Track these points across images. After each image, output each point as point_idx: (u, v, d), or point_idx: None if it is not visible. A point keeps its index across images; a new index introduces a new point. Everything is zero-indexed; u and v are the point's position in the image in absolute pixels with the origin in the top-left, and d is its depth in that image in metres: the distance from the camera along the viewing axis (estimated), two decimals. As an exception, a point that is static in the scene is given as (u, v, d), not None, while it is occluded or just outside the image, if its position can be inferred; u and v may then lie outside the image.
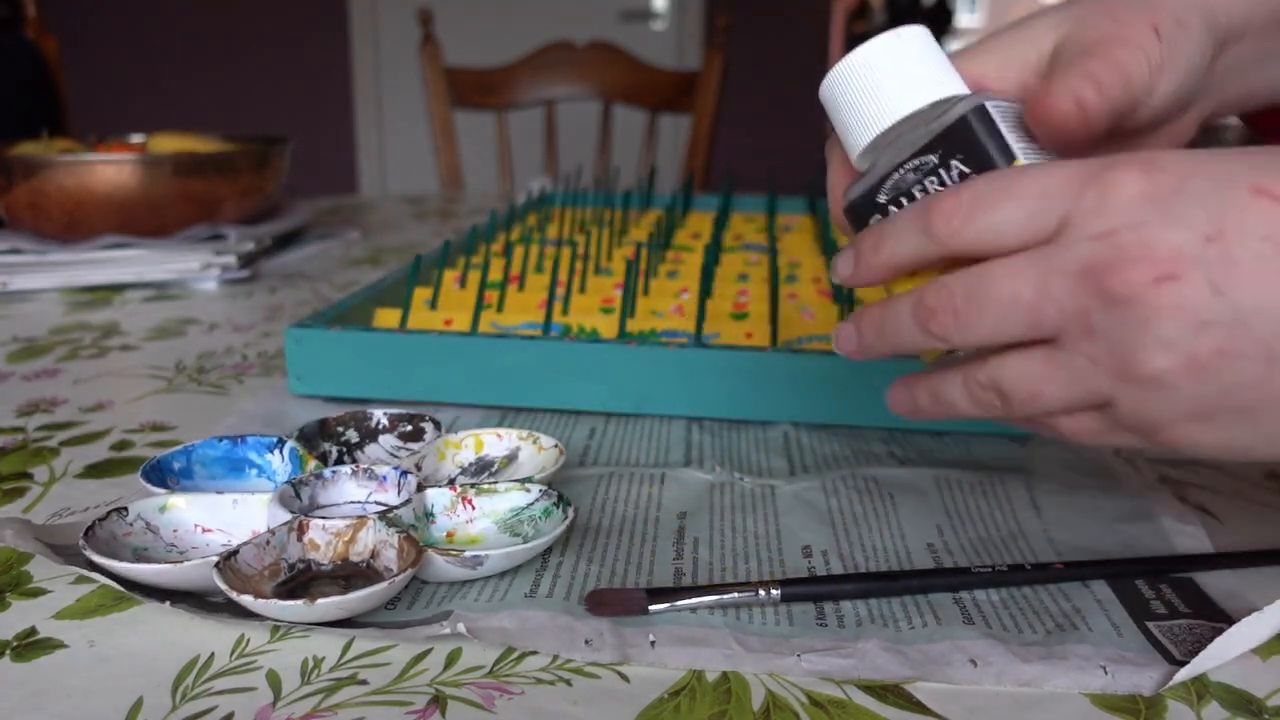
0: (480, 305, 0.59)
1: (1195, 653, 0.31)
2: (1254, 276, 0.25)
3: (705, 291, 0.63)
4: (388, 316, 0.60)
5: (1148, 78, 0.31)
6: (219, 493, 0.39)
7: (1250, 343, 0.25)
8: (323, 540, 0.36)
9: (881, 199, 0.32)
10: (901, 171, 0.31)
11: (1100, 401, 0.27)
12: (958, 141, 0.30)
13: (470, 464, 0.45)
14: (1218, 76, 0.34)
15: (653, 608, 0.34)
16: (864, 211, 0.32)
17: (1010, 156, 0.29)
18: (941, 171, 0.30)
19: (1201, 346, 0.25)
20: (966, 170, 0.30)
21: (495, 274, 0.68)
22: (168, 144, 0.99)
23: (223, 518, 0.38)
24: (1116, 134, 0.33)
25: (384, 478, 0.40)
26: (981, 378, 0.29)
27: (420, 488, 0.39)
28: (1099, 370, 0.26)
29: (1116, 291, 0.25)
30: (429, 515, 0.39)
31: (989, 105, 0.30)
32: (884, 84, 0.31)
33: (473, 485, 0.40)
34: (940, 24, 4.10)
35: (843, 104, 0.32)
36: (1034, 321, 0.27)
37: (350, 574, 0.35)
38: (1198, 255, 0.25)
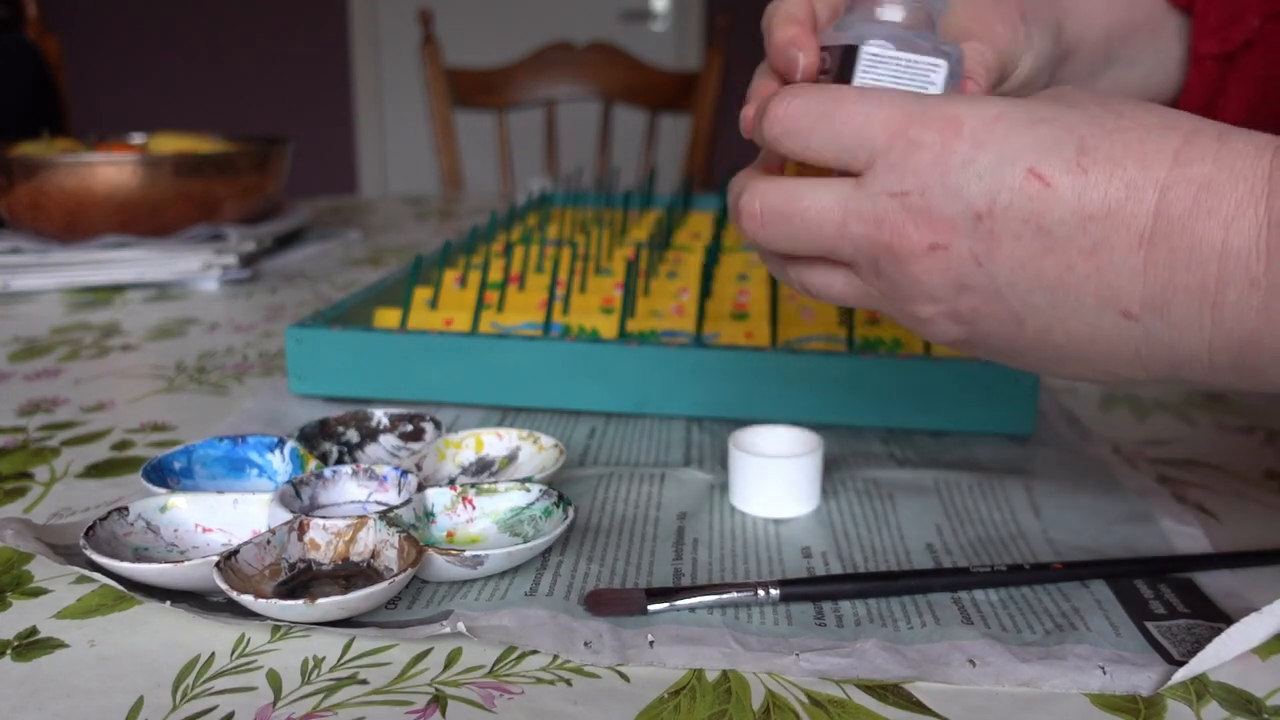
0: (480, 305, 0.59)
1: (1194, 653, 0.31)
2: (1010, 254, 0.29)
3: (705, 291, 0.63)
4: (388, 316, 0.60)
5: (1015, 51, 0.37)
6: (220, 493, 0.39)
7: (1001, 307, 0.30)
8: (323, 540, 0.36)
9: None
10: (828, 53, 0.34)
11: (892, 315, 0.33)
12: (841, 63, 0.33)
13: (470, 464, 0.45)
14: (1057, 81, 0.42)
15: (652, 607, 0.34)
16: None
17: None
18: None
19: (961, 304, 0.30)
20: None
21: (495, 274, 0.68)
22: (168, 144, 0.99)
23: (223, 517, 0.38)
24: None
25: (384, 478, 0.40)
26: (792, 274, 0.34)
27: (420, 488, 0.39)
28: (885, 300, 0.32)
29: (899, 249, 0.30)
30: (429, 515, 0.39)
31: (865, 48, 0.32)
32: None
33: (473, 485, 0.40)
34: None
35: None
36: (831, 249, 0.32)
37: (351, 574, 0.36)
38: (967, 229, 0.29)
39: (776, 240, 0.32)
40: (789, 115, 0.31)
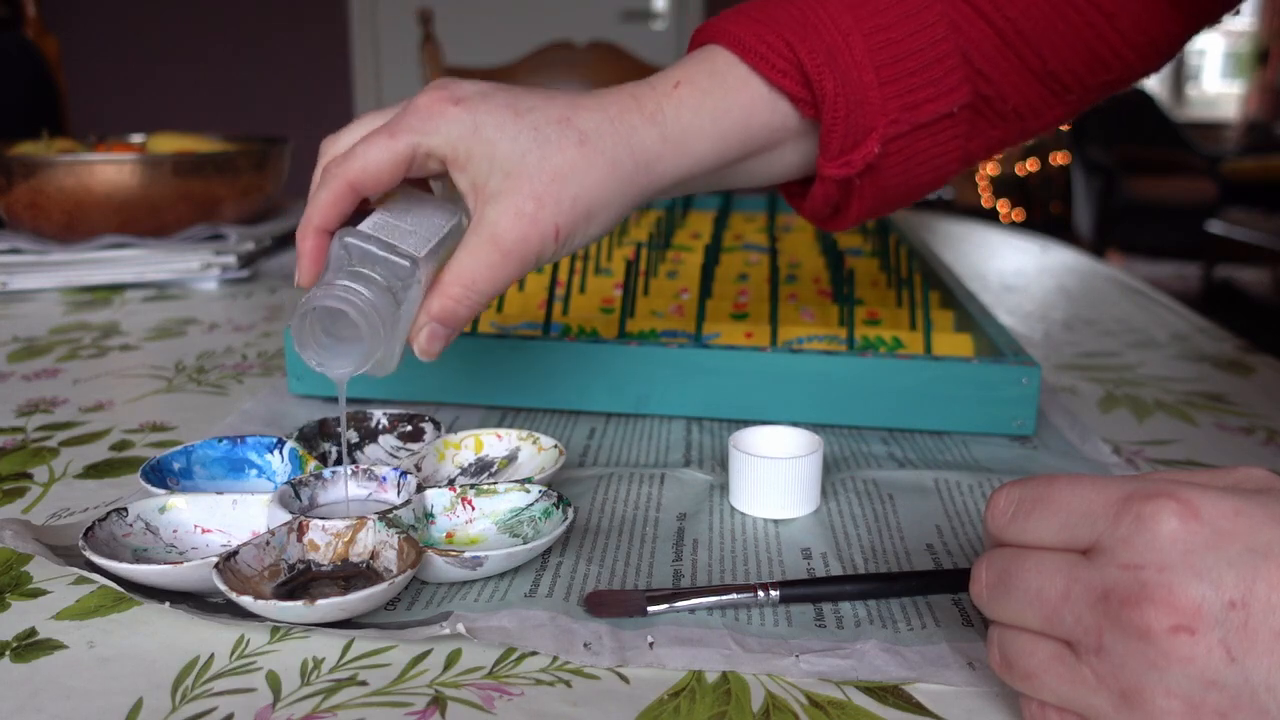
0: (480, 305, 0.59)
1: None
2: (1269, 653, 0.25)
3: (705, 291, 0.63)
4: (387, 317, 0.60)
5: (536, 262, 0.40)
6: (219, 493, 0.39)
7: (1255, 713, 0.26)
8: (322, 541, 0.36)
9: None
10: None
11: (1091, 713, 0.28)
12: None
13: (470, 464, 0.45)
14: (680, 190, 0.44)
15: (651, 609, 0.34)
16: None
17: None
18: None
19: (1206, 702, 0.26)
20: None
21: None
22: (168, 144, 0.99)
23: (222, 518, 0.38)
24: None
25: (384, 478, 0.40)
26: (995, 637, 0.30)
27: (420, 488, 0.39)
28: (1102, 686, 0.27)
29: (1134, 624, 0.26)
30: (429, 516, 0.39)
31: (346, 238, 0.38)
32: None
33: (472, 486, 0.40)
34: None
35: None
36: (1050, 619, 0.28)
37: (350, 575, 0.35)
38: (1217, 616, 0.26)
39: (996, 606, 0.30)
40: (1013, 503, 0.30)
